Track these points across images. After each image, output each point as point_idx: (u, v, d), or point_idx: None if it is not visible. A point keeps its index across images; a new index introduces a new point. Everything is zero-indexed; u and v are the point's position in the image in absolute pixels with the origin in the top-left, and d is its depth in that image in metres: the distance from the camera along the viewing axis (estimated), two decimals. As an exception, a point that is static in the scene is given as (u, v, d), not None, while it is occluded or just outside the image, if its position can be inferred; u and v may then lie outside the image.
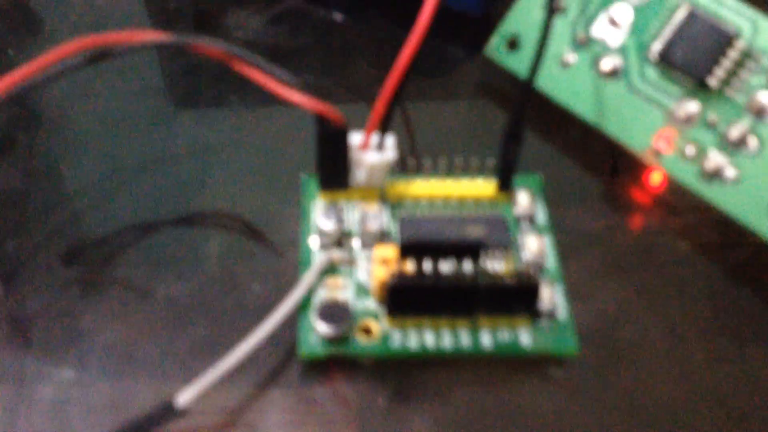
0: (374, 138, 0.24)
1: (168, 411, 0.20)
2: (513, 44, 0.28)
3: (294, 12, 0.31)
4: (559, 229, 0.24)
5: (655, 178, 0.27)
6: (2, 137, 0.27)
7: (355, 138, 0.24)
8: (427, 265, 0.22)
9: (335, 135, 0.23)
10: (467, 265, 0.22)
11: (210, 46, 0.22)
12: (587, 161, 0.27)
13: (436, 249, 0.22)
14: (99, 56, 0.22)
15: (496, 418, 0.21)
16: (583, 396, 0.22)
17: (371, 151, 0.24)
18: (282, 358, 0.22)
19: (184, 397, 0.20)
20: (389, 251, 0.22)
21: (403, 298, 0.21)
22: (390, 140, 0.24)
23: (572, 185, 0.26)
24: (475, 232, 0.23)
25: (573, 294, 0.23)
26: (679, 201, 0.26)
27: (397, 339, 0.22)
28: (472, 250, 0.22)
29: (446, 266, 0.22)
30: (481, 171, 0.25)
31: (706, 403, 0.22)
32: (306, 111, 0.22)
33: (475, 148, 0.26)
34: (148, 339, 0.22)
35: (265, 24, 0.31)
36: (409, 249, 0.22)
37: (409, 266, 0.22)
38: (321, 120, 0.23)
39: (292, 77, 0.22)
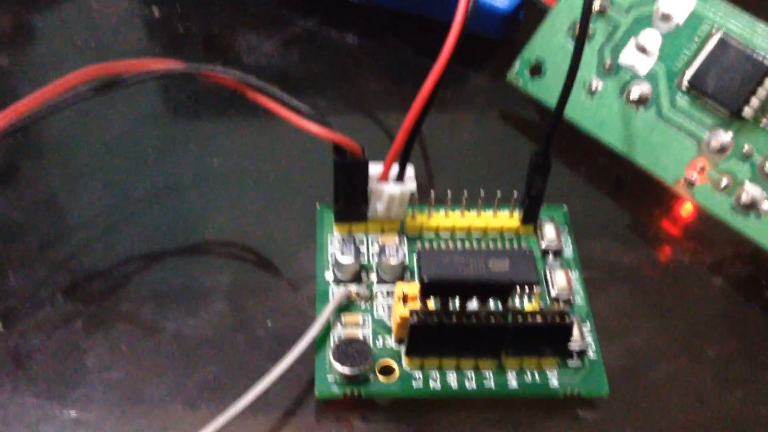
0: (394, 168, 0.23)
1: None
2: (536, 70, 0.27)
3: (306, 35, 0.30)
4: (586, 263, 0.23)
5: (686, 210, 0.26)
6: (4, 166, 0.26)
7: (375, 168, 0.23)
8: (452, 305, 0.20)
9: (354, 165, 0.22)
10: (492, 303, 0.21)
11: (224, 75, 0.21)
12: (615, 192, 0.26)
13: (460, 286, 0.21)
14: (109, 85, 0.21)
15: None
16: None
17: (391, 182, 0.23)
18: (297, 397, 0.21)
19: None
20: (411, 288, 0.21)
21: (426, 338, 0.20)
22: (410, 170, 0.23)
23: (599, 217, 0.25)
24: (499, 266, 0.21)
25: (602, 332, 0.22)
26: (711, 233, 0.25)
27: (417, 379, 0.21)
28: (498, 287, 0.21)
29: (471, 305, 0.20)
30: (504, 203, 0.24)
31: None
32: (323, 141, 0.21)
33: (498, 178, 0.25)
34: (155, 377, 0.21)
35: (277, 48, 0.30)
36: (432, 286, 0.21)
37: (432, 304, 0.21)
38: (339, 150, 0.22)
39: (309, 109, 0.21)
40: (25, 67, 0.29)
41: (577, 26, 0.25)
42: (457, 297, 0.21)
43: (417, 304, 0.21)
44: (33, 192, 0.25)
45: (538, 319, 0.20)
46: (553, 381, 0.21)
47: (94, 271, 0.23)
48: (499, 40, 0.29)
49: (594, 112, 0.26)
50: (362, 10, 0.30)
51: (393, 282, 0.22)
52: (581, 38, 0.21)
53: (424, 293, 0.20)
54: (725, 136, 0.24)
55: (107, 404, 0.21)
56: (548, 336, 0.20)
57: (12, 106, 0.20)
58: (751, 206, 0.24)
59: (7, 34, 0.30)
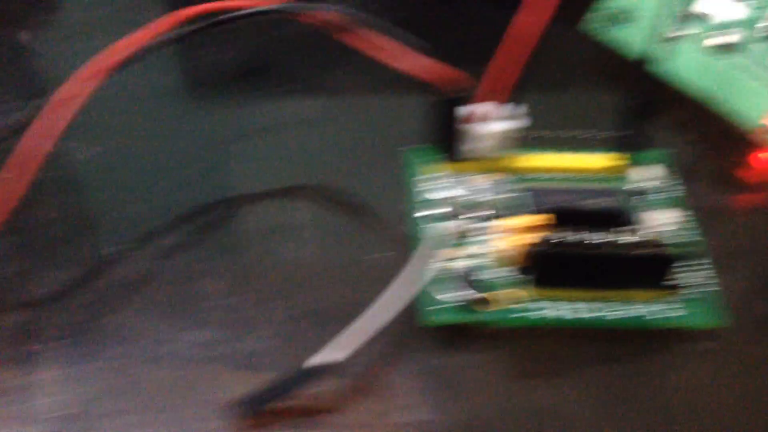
0: (497, 107, 0.22)
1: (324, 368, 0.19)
2: (617, 18, 0.27)
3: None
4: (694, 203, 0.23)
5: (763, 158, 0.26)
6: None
7: (479, 107, 0.22)
8: (574, 235, 0.20)
9: (458, 101, 0.22)
10: (611, 236, 0.21)
11: (327, 11, 0.21)
12: (700, 138, 0.26)
13: (578, 217, 0.21)
14: (212, 24, 0.21)
15: (638, 389, 0.20)
16: (731, 369, 0.21)
17: (496, 120, 0.23)
18: (409, 326, 0.21)
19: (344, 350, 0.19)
20: (531, 219, 0.21)
21: (552, 268, 0.20)
22: (518, 108, 0.23)
23: (698, 160, 0.25)
24: (610, 203, 0.22)
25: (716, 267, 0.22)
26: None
27: (534, 308, 0.21)
28: (614, 219, 0.21)
29: (595, 236, 0.20)
30: (604, 145, 0.24)
31: None
32: (419, 80, 0.21)
33: (591, 123, 0.25)
34: (268, 302, 0.21)
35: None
36: (562, 215, 0.20)
37: (554, 235, 0.20)
38: (442, 87, 0.21)
39: (422, 42, 0.21)
40: (48, 43, 0.29)
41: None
42: (576, 230, 0.20)
43: (536, 237, 0.20)
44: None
45: (665, 250, 0.20)
46: (671, 312, 0.21)
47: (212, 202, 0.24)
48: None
49: (677, 59, 0.26)
50: None
51: (503, 217, 0.22)
52: None
53: (556, 221, 0.20)
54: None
55: (223, 327, 0.21)
56: (662, 268, 0.20)
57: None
58: None
59: (30, 10, 0.30)
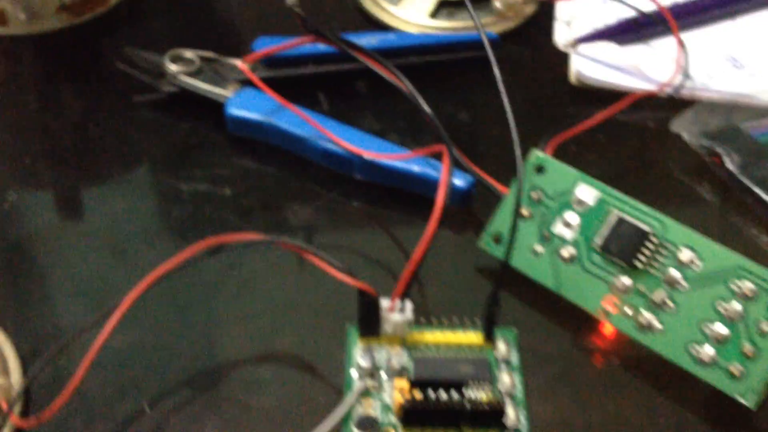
0: (397, 304, 0.34)
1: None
2: (497, 239, 0.39)
3: (332, 202, 0.43)
4: (527, 369, 0.35)
5: (607, 330, 0.37)
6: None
7: (385, 302, 0.35)
8: (431, 395, 0.32)
9: (371, 302, 0.34)
10: (458, 394, 0.32)
11: (289, 242, 0.34)
12: (554, 319, 0.37)
13: (439, 384, 0.32)
14: (217, 250, 0.34)
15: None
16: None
17: (396, 313, 0.35)
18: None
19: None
20: (404, 383, 0.33)
21: (414, 416, 0.32)
22: (408, 305, 0.35)
23: (542, 335, 0.37)
24: (466, 369, 0.33)
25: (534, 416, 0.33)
26: (624, 346, 0.36)
27: (410, 444, 0.32)
28: (464, 383, 0.32)
29: (444, 396, 0.32)
30: (472, 325, 0.35)
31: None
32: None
33: (468, 307, 0.36)
34: None
35: (311, 212, 0.42)
36: (419, 384, 0.32)
37: (418, 396, 0.32)
38: (362, 292, 0.34)
39: (342, 265, 0.33)
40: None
41: (521, 209, 0.38)
42: (438, 389, 0.32)
43: (408, 395, 0.32)
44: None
45: (485, 405, 0.31)
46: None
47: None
48: (460, 208, 0.42)
49: (538, 266, 0.38)
50: (368, 185, 0.43)
51: (395, 377, 0.34)
52: (512, 229, 0.34)
53: (414, 386, 0.32)
54: (626, 280, 0.36)
55: None
56: (490, 416, 0.32)
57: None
58: (648, 327, 0.35)
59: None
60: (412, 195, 0.42)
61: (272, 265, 0.40)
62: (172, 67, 0.46)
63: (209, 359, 0.36)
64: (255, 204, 0.43)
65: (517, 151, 0.37)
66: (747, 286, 0.34)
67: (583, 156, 0.44)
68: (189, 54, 0.47)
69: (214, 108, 0.46)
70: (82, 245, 0.41)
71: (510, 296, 0.37)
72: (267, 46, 0.47)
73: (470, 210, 0.42)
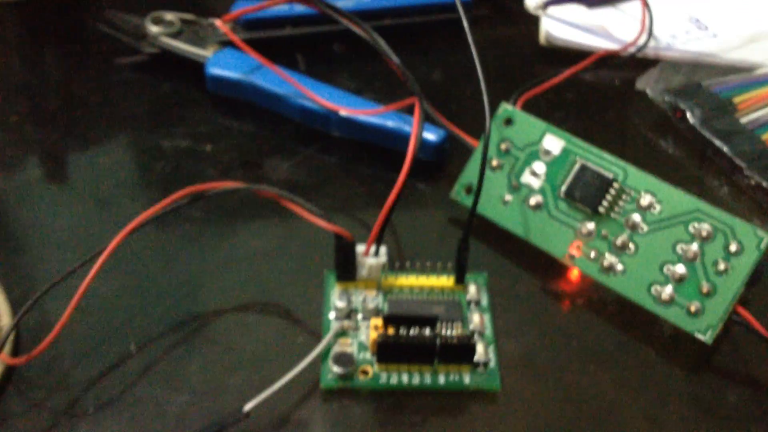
0: (372, 248, 0.36)
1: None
2: (469, 190, 0.40)
3: (310, 158, 0.45)
4: (496, 309, 0.36)
5: (573, 274, 0.39)
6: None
7: (360, 247, 0.36)
8: (404, 331, 0.34)
9: (347, 246, 0.36)
10: (430, 330, 0.34)
11: (268, 189, 0.35)
12: (523, 264, 0.39)
13: (411, 320, 0.34)
14: (197, 198, 0.35)
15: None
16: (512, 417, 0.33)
17: (371, 257, 0.36)
18: (309, 389, 0.34)
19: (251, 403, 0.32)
20: (379, 321, 0.34)
21: (387, 351, 0.33)
22: (383, 249, 0.36)
23: (510, 280, 0.39)
24: (438, 309, 0.35)
25: (503, 351, 0.35)
26: (589, 289, 0.38)
27: (384, 378, 0.34)
28: (436, 321, 0.34)
29: (415, 331, 0.34)
30: (445, 270, 0.37)
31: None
32: (328, 231, 0.35)
33: (442, 253, 0.38)
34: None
35: (290, 168, 0.44)
36: (392, 320, 0.34)
37: (391, 331, 0.34)
38: (338, 237, 0.35)
39: (320, 210, 0.35)
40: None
41: (492, 161, 0.39)
42: (411, 326, 0.34)
43: (382, 331, 0.34)
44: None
45: (455, 340, 0.33)
46: (467, 380, 0.34)
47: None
48: (434, 162, 0.43)
49: (508, 214, 0.39)
50: (344, 141, 0.45)
51: (371, 318, 0.35)
52: (480, 178, 0.35)
53: (387, 324, 0.34)
54: (590, 226, 0.37)
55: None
56: (461, 351, 0.33)
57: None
58: (611, 269, 0.37)
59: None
60: (387, 150, 0.44)
61: (252, 216, 0.41)
62: (153, 29, 0.48)
63: (193, 304, 0.37)
64: (235, 160, 0.44)
65: (486, 105, 0.38)
66: (705, 227, 0.36)
67: (553, 113, 0.46)
68: (170, 16, 0.48)
69: (195, 68, 0.47)
70: (67, 199, 0.42)
71: (481, 243, 0.39)
72: (245, 6, 0.48)
73: (444, 165, 0.44)
